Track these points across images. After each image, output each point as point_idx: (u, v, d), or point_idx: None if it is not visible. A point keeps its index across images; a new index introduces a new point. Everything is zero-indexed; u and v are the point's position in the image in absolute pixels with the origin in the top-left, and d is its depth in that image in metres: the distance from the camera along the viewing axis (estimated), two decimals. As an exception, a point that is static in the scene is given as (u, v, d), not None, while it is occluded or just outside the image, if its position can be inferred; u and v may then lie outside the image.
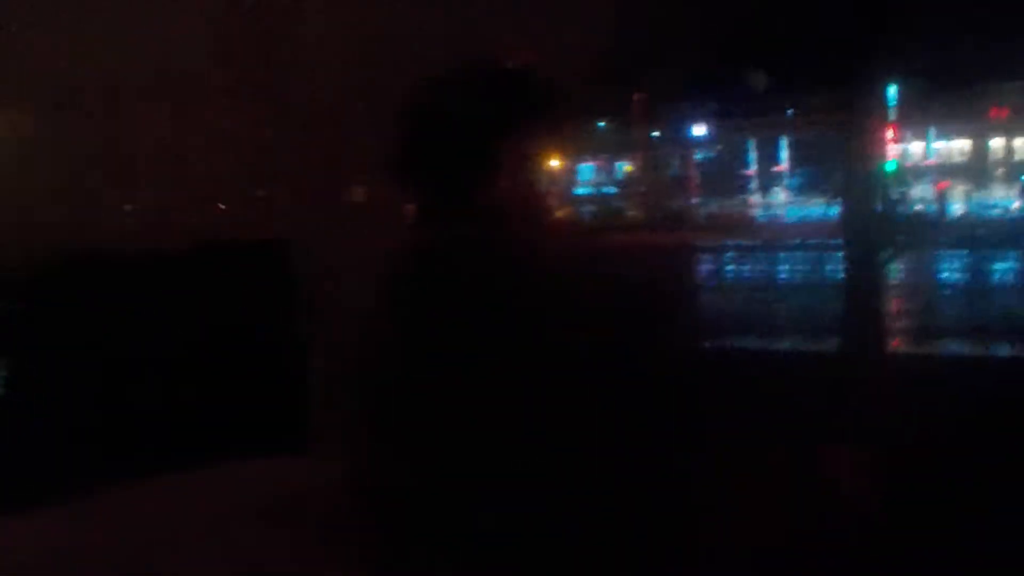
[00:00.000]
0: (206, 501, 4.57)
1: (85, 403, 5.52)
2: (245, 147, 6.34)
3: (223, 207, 8.18)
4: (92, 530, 4.35)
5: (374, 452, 1.72)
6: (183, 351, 5.66)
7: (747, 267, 12.66)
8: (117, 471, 4.76)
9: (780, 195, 26.52)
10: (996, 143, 26.18)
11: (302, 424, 5.04)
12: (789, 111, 25.51)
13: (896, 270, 9.65)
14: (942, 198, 21.25)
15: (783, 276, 12.19)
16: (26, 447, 5.08)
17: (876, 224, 7.43)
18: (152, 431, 5.29)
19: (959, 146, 26.40)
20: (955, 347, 9.00)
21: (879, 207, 7.72)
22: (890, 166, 9.48)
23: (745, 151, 28.17)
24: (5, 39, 6.14)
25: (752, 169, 28.01)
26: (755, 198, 26.66)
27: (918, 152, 25.40)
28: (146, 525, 4.35)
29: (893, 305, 9.20)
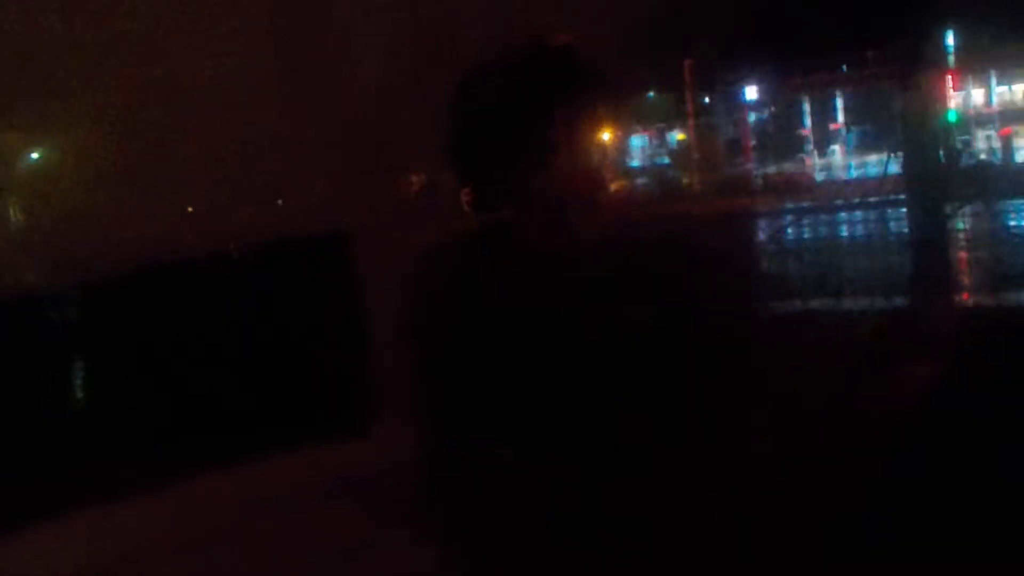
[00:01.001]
0: (280, 484, 4.65)
1: (166, 397, 5.66)
2: (298, 141, 6.40)
3: (280, 203, 8.27)
4: (176, 516, 4.45)
5: (446, 434, 1.73)
6: (253, 342, 5.77)
7: (807, 228, 12.45)
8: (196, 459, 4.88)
9: (838, 153, 26.01)
10: (1061, 85, 25.37)
11: (371, 409, 5.10)
12: (843, 66, 24.96)
13: (962, 223, 9.43)
14: (1007, 145, 20.69)
15: (845, 235, 11.98)
16: (105, 441, 5.22)
17: (939, 176, 7.25)
18: (233, 420, 5.41)
19: (1023, 90, 25.63)
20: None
21: (941, 159, 7.53)
22: (951, 115, 9.24)
23: (800, 110, 27.64)
24: (73, 48, 6.27)
25: (807, 128, 27.49)
26: (812, 158, 26.18)
27: (979, 99, 24.73)
28: (228, 508, 4.44)
29: (962, 259, 8.99)
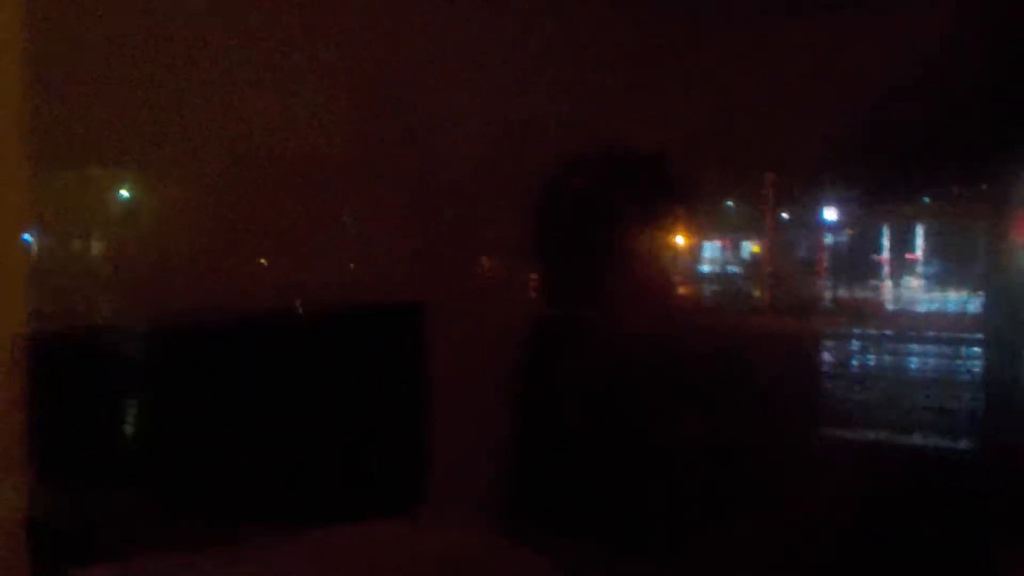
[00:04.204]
0: (345, 560, 4.60)
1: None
2: (376, 212, 6.52)
3: (352, 267, 8.39)
4: None
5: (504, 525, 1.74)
6: (310, 407, 5.78)
7: (874, 357, 12.25)
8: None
9: (913, 284, 25.65)
10: None
11: (423, 487, 5.04)
12: (926, 198, 24.76)
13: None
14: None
15: (913, 368, 11.76)
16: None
17: (1018, 322, 7.11)
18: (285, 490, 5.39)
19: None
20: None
21: (1021, 304, 7.40)
22: (1033, 261, 9.08)
23: (878, 237, 27.38)
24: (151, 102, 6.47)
25: (884, 256, 27.19)
26: (887, 285, 25.86)
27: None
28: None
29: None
